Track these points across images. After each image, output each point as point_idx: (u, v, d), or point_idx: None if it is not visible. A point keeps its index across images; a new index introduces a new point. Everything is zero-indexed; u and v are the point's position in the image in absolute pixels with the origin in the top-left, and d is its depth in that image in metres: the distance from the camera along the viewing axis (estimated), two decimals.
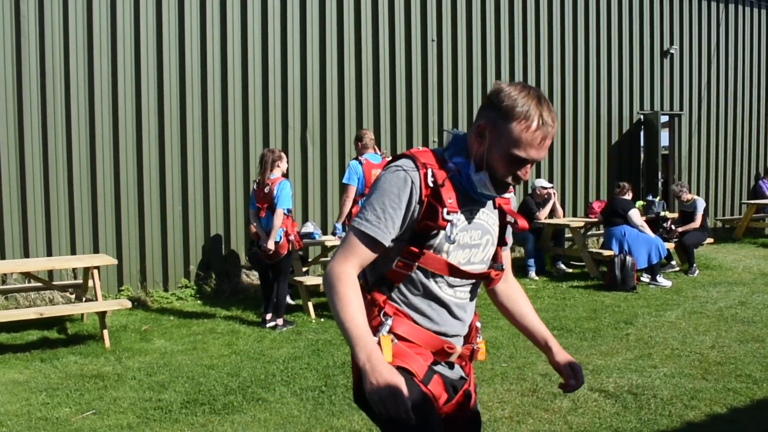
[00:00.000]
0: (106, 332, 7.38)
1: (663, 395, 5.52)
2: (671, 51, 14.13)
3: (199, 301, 9.53)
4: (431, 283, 2.35)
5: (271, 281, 8.12)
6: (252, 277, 10.08)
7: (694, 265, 10.91)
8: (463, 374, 2.47)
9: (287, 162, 8.32)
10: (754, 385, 5.73)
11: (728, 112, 15.18)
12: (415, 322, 2.35)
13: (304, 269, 9.51)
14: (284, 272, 8.06)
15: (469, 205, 2.36)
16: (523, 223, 2.50)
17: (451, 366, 2.43)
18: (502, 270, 2.50)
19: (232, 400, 5.62)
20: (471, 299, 2.48)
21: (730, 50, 15.11)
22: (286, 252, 7.87)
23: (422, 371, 2.31)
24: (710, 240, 11.77)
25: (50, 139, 9.00)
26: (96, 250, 9.26)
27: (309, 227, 9.74)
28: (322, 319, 8.40)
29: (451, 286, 2.38)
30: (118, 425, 5.14)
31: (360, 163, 8.01)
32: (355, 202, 7.95)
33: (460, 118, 11.80)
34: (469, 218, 2.36)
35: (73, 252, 9.17)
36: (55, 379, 6.27)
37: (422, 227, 2.27)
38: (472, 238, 2.37)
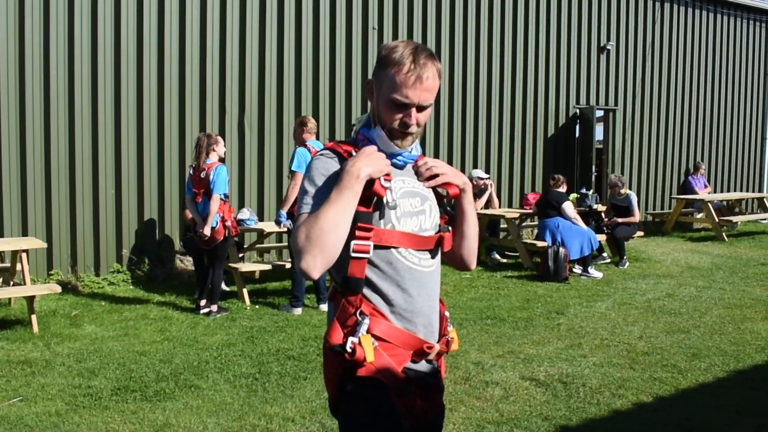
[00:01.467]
0: (34, 317, 7.20)
1: (592, 384, 5.64)
2: (608, 47, 14.40)
3: (131, 287, 9.38)
4: (393, 256, 2.29)
5: (206, 267, 8.03)
6: (186, 263, 9.96)
7: (625, 257, 11.16)
8: (435, 366, 2.41)
9: (224, 147, 8.22)
10: (679, 374, 5.90)
11: (661, 109, 15.56)
12: (390, 316, 2.29)
13: (240, 256, 9.44)
14: (220, 258, 7.98)
15: (398, 175, 2.37)
16: (453, 189, 2.43)
17: (430, 361, 2.38)
18: (449, 231, 2.45)
19: (164, 387, 5.55)
20: (435, 268, 2.42)
21: (665, 48, 15.47)
22: (222, 238, 7.79)
23: (398, 383, 2.27)
24: (641, 233, 12.06)
25: None
26: (25, 233, 9.02)
27: (245, 213, 9.66)
28: (257, 306, 8.35)
29: (413, 255, 2.33)
30: (46, 412, 5.03)
31: (308, 150, 7.93)
32: None
33: None
34: (403, 187, 2.36)
35: (1, 234, 8.91)
36: None
37: (362, 200, 2.21)
38: (413, 206, 2.35)
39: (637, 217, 11.48)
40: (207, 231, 7.62)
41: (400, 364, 2.28)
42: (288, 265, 8.60)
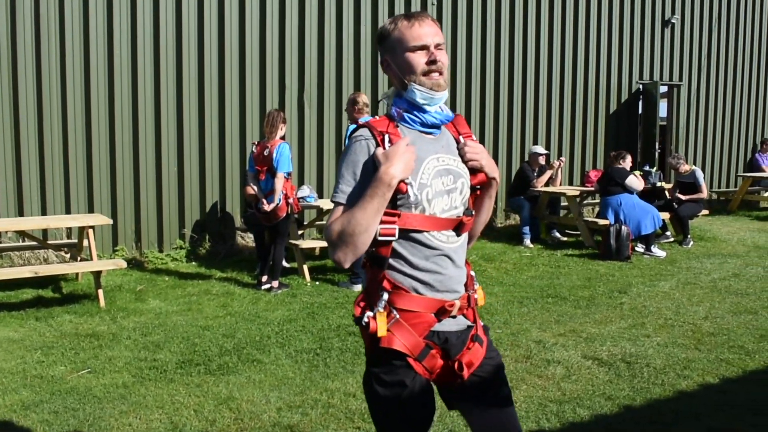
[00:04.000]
0: (101, 292, 7.38)
1: (656, 364, 5.55)
2: (672, 20, 14.03)
3: (194, 263, 9.53)
4: (422, 236, 2.40)
5: (267, 244, 8.10)
6: (247, 240, 10.08)
7: (689, 236, 10.92)
8: (469, 322, 2.54)
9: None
10: (747, 356, 5.77)
11: (727, 84, 15.13)
12: (417, 290, 2.41)
13: (300, 232, 9.50)
14: (282, 235, 8.05)
15: (434, 152, 2.45)
16: (480, 177, 2.56)
17: (454, 316, 2.49)
18: (472, 215, 2.54)
19: (227, 361, 5.63)
20: (462, 241, 2.54)
21: (731, 21, 15.01)
22: (284, 215, 7.84)
23: (417, 349, 2.40)
24: (705, 212, 11.78)
25: (45, 96, 8.92)
26: (91, 210, 9.23)
27: (305, 191, 9.70)
28: (317, 282, 8.41)
29: (442, 234, 2.44)
30: (114, 384, 5.16)
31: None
32: None
33: (457, 82, 11.73)
34: (437, 165, 2.44)
35: (68, 211, 9.14)
36: (50, 337, 6.28)
37: None
38: (445, 184, 2.44)
39: (704, 192, 11.21)
40: (270, 208, 7.68)
41: (425, 330, 2.42)
42: None
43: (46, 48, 8.88)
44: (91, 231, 7.66)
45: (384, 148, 2.35)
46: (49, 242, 8.59)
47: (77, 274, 8.37)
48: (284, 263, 8.85)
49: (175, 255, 9.59)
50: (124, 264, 7.64)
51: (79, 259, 8.24)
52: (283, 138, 7.93)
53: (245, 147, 9.93)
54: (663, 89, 14.40)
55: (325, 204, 9.27)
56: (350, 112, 8.06)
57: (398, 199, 2.34)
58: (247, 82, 10.05)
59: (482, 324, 2.66)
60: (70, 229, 9.06)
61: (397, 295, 2.40)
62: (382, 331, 2.36)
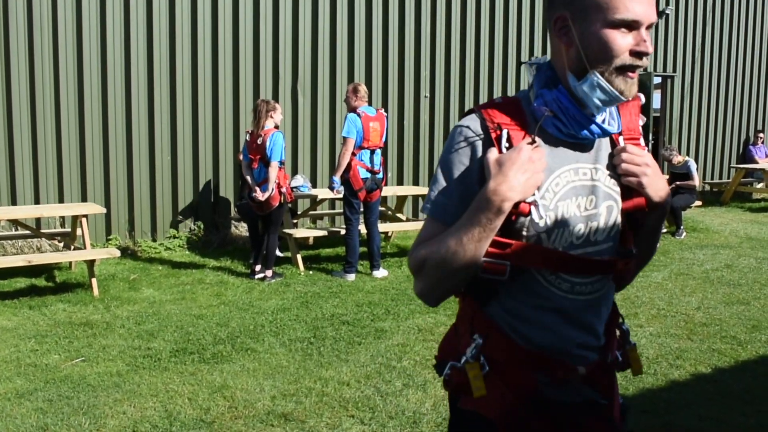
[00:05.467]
0: (94, 281, 7.37)
1: (649, 354, 5.57)
2: (667, 11, 14.03)
3: (187, 252, 9.52)
4: (536, 282, 1.72)
5: (260, 233, 8.10)
6: (241, 229, 10.07)
7: (682, 227, 10.96)
8: (598, 397, 1.80)
9: (281, 114, 8.25)
10: (739, 346, 5.80)
11: (721, 76, 15.14)
12: (517, 337, 1.74)
13: (294, 222, 9.50)
14: (275, 224, 8.04)
15: (573, 161, 1.73)
16: (639, 200, 1.76)
17: (572, 386, 1.77)
18: (632, 256, 1.79)
19: (221, 350, 5.64)
20: (602, 294, 1.79)
21: (726, 13, 15.01)
22: (277, 204, 7.84)
23: (510, 414, 1.73)
24: (698, 203, 11.82)
25: (37, 85, 8.88)
26: (84, 199, 9.21)
27: (298, 180, 9.69)
28: (311, 272, 8.41)
29: (565, 281, 1.72)
30: (108, 372, 5.16)
31: (358, 115, 7.90)
32: (353, 154, 7.87)
33: (452, 71, 11.71)
34: (573, 180, 1.72)
35: (61, 200, 9.11)
36: (43, 326, 6.27)
37: None
38: (581, 207, 1.71)
39: (696, 181, 11.23)
40: (264, 197, 7.67)
41: (525, 390, 1.74)
42: (342, 232, 8.62)
43: (39, 37, 8.83)
44: (84, 220, 7.64)
45: (499, 150, 1.66)
46: (42, 231, 8.56)
47: (70, 263, 8.36)
48: (278, 252, 8.86)
49: (169, 244, 9.58)
50: (118, 253, 7.62)
51: (72, 248, 8.23)
52: (276, 127, 7.92)
53: (239, 137, 9.91)
54: (656, 80, 14.40)
55: (319, 193, 9.27)
56: (350, 100, 8.04)
57: (514, 222, 1.67)
58: (240, 72, 10.01)
59: (621, 401, 1.91)
60: (63, 218, 9.04)
61: (494, 341, 1.74)
62: (478, 391, 1.72)
